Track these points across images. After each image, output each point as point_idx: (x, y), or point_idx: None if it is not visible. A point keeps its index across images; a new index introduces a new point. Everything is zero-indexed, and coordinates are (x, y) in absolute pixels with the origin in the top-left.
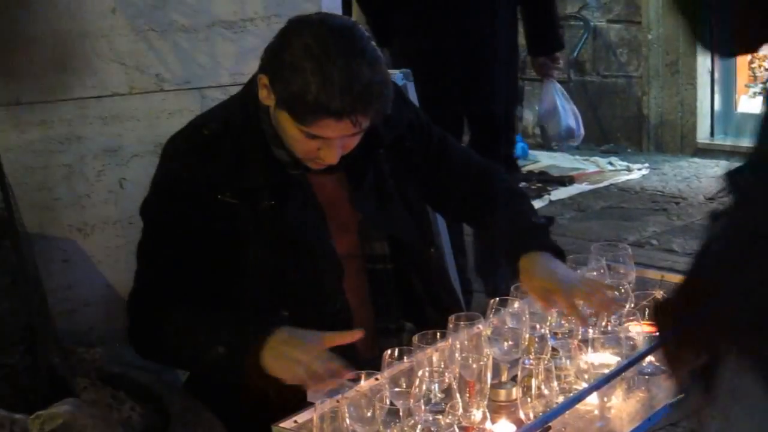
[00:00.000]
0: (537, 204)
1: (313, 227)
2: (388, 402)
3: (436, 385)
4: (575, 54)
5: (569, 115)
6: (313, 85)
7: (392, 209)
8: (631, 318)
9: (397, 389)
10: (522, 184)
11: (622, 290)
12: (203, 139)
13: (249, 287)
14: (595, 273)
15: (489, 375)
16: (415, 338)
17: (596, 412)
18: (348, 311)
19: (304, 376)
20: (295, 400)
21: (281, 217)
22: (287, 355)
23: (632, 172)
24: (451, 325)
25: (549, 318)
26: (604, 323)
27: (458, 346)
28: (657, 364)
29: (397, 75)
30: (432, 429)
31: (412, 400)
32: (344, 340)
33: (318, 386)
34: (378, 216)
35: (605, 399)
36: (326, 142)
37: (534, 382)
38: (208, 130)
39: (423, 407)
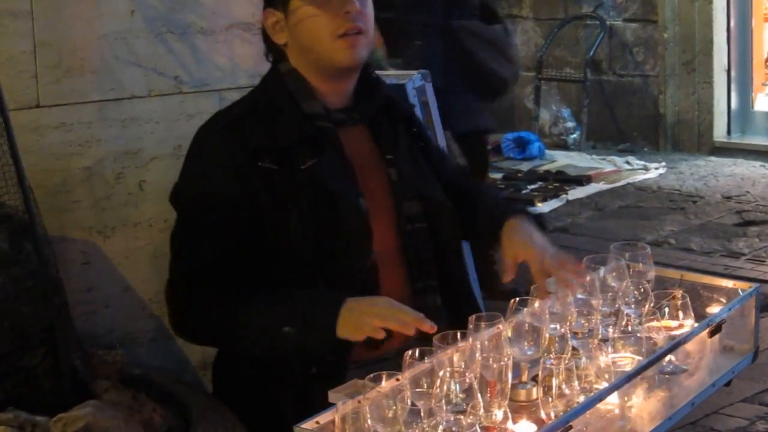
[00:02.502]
0: (554, 203)
1: (345, 186)
2: (409, 402)
3: (457, 385)
4: (591, 53)
5: None
6: None
7: (423, 171)
8: (651, 317)
9: (418, 390)
10: (539, 184)
11: (642, 289)
12: (233, 117)
13: (286, 251)
14: (614, 273)
15: (510, 375)
16: (436, 339)
17: (617, 411)
18: (377, 270)
19: (395, 324)
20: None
21: (317, 178)
22: (368, 313)
23: (649, 171)
24: (471, 326)
25: (569, 317)
26: (624, 323)
27: (479, 346)
28: (677, 363)
29: (415, 76)
30: (453, 429)
31: (433, 401)
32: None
33: (407, 332)
34: (412, 176)
35: (626, 398)
36: None
37: (555, 382)
38: (237, 109)
39: (444, 407)
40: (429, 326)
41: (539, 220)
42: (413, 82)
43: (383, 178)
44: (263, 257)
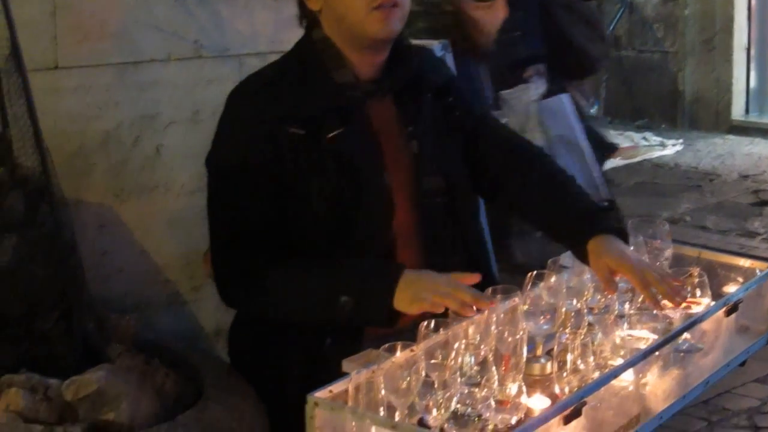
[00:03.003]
0: None
1: (370, 158)
2: (423, 374)
3: (472, 358)
4: (611, 28)
5: None
6: None
7: (446, 146)
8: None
9: (432, 361)
10: None
11: (660, 266)
12: (264, 81)
13: (307, 219)
14: (633, 248)
15: (525, 349)
16: (451, 311)
17: (631, 388)
18: (395, 243)
19: (453, 303)
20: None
21: (342, 148)
22: (427, 288)
23: (666, 148)
24: (468, 315)
25: (585, 293)
26: (640, 299)
27: (494, 319)
28: (693, 341)
29: (435, 46)
30: (467, 402)
31: (447, 373)
32: (467, 280)
33: (465, 314)
34: (435, 150)
35: (641, 375)
36: None
37: (569, 357)
38: (269, 73)
39: (458, 380)
40: (487, 303)
41: (623, 233)
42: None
43: (406, 151)
44: (286, 223)
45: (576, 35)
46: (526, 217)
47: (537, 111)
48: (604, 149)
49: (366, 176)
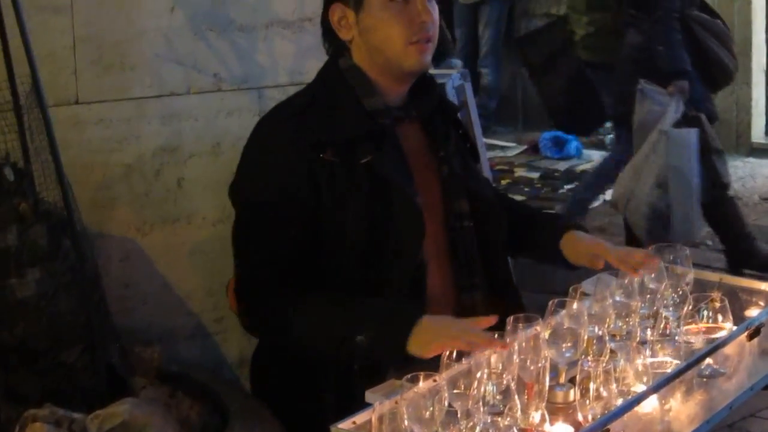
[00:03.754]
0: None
1: (403, 182)
2: (446, 403)
3: (495, 386)
4: None
5: None
6: None
7: (472, 169)
8: (690, 320)
9: (455, 391)
10: (576, 183)
11: (681, 292)
12: (295, 109)
13: (340, 244)
14: (653, 274)
15: (547, 376)
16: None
17: (655, 414)
18: (425, 267)
19: (464, 346)
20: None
21: (376, 173)
22: (441, 334)
23: None
24: (509, 327)
25: (607, 319)
26: (662, 325)
27: (516, 347)
28: (715, 366)
29: (454, 75)
30: (490, 430)
31: (470, 402)
32: (483, 323)
33: (477, 351)
34: (462, 174)
35: (664, 401)
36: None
37: (592, 384)
38: (298, 101)
39: (481, 409)
40: (501, 345)
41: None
42: (452, 81)
43: (435, 175)
44: (318, 249)
45: (712, 49)
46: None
47: (666, 138)
48: (716, 187)
49: (399, 200)
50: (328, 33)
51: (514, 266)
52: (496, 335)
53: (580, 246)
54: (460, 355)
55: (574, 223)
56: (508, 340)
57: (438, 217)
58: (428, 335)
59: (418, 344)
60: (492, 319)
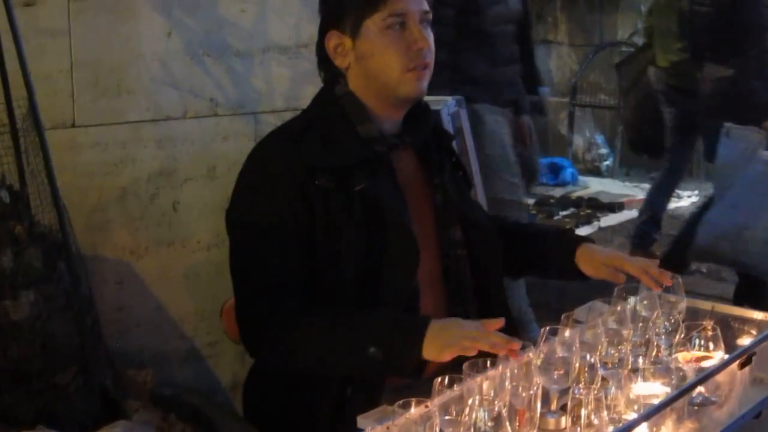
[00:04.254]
0: (586, 230)
1: (397, 210)
2: (438, 430)
3: (486, 413)
4: None
5: None
6: None
7: (466, 197)
8: (681, 348)
9: (447, 417)
10: (572, 210)
11: (673, 320)
12: (291, 135)
13: (334, 270)
14: (645, 302)
15: (539, 403)
16: (466, 366)
17: None
18: (418, 294)
19: (486, 345)
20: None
21: (371, 200)
22: (457, 335)
23: (682, 199)
24: (501, 354)
25: (599, 347)
26: (654, 353)
27: (508, 374)
28: (707, 394)
29: (450, 102)
30: None
31: (462, 428)
32: (492, 325)
33: (498, 352)
34: (456, 201)
35: (655, 429)
36: (409, 26)
37: (584, 412)
38: (293, 127)
39: None
40: (517, 343)
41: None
42: (448, 108)
43: (429, 202)
44: (312, 274)
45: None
46: (516, 267)
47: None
48: None
49: (393, 227)
50: (324, 61)
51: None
52: (488, 362)
53: (598, 258)
54: (452, 381)
55: (584, 237)
56: (500, 367)
57: (431, 244)
58: (442, 339)
59: (434, 349)
60: (500, 322)
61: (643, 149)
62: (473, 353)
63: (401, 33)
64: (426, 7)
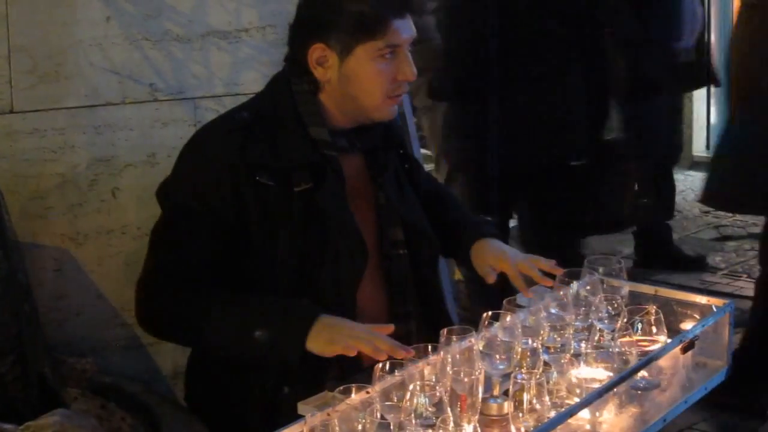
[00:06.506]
0: None
1: (338, 210)
2: (379, 416)
3: (428, 398)
4: None
5: None
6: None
7: (407, 196)
8: (624, 332)
9: (388, 403)
10: None
11: (616, 304)
12: (238, 124)
13: (271, 268)
14: (588, 287)
15: (481, 389)
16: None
17: (588, 427)
18: (357, 293)
19: (367, 347)
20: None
21: (313, 200)
22: (342, 332)
23: None
24: (443, 339)
25: (541, 332)
26: (597, 338)
27: (450, 359)
28: (650, 378)
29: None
30: None
31: (403, 414)
32: (384, 330)
33: (378, 357)
34: (397, 201)
35: (597, 414)
36: (400, 56)
37: (526, 397)
38: (243, 116)
39: (414, 421)
40: (404, 353)
41: (499, 238)
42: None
43: (371, 202)
44: (247, 269)
45: None
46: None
47: None
48: None
49: (335, 229)
50: (303, 70)
51: None
52: (429, 347)
53: (485, 255)
54: (393, 367)
55: (493, 232)
56: (441, 352)
57: (372, 244)
58: (328, 335)
59: (319, 342)
60: (389, 328)
61: None
62: (354, 353)
63: (391, 61)
64: (415, 33)
